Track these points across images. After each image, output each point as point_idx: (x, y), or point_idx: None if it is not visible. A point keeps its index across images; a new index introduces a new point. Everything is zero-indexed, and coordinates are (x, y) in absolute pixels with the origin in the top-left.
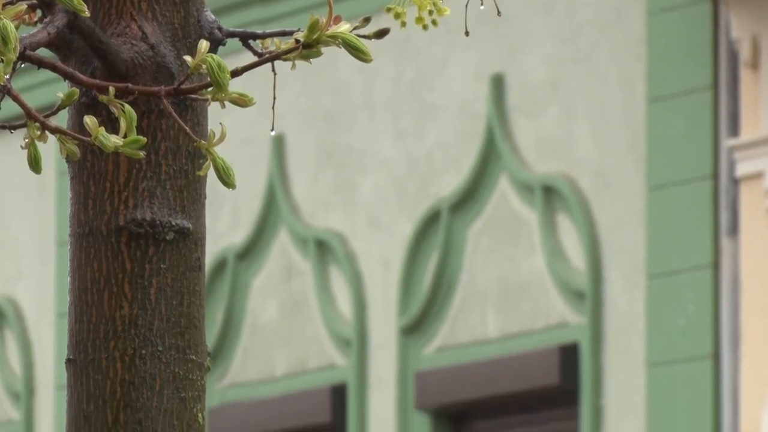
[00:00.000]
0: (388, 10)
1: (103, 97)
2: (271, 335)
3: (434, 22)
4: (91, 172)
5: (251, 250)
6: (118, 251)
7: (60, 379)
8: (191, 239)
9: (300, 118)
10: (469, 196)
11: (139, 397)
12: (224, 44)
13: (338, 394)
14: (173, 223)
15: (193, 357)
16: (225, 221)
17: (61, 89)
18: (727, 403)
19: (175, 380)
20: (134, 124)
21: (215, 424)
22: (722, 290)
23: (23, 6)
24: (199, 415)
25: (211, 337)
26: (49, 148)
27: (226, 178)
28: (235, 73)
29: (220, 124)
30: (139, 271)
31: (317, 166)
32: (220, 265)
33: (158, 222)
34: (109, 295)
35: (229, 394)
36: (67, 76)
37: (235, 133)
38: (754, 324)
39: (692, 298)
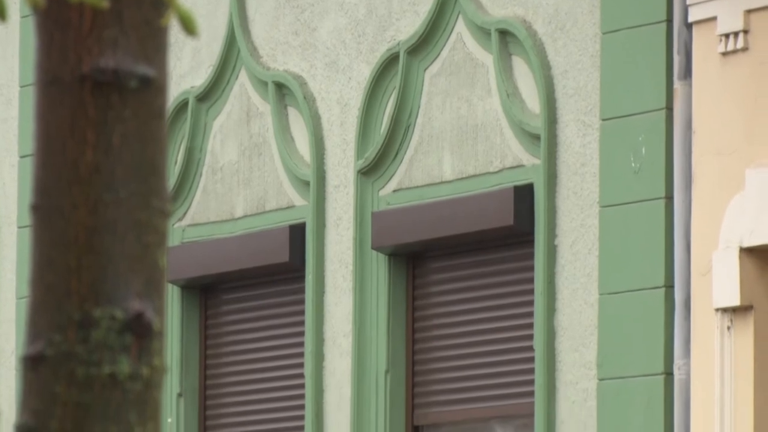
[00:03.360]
0: None
1: None
2: (231, 176)
3: None
4: (56, 20)
5: (211, 93)
6: (81, 99)
7: (22, 219)
8: (154, 87)
9: None
10: (427, 39)
11: (101, 242)
12: None
13: (297, 233)
14: (136, 72)
15: (155, 203)
16: (185, 64)
17: None
18: (679, 244)
19: (137, 226)
20: None
21: (174, 263)
22: (675, 133)
23: None
24: (161, 259)
25: (171, 178)
26: None
27: (189, 27)
28: None
29: None
30: (102, 119)
31: (277, 9)
32: (181, 107)
33: (121, 70)
34: (73, 142)
35: (189, 233)
36: None
37: None
38: (706, 166)
39: (645, 140)
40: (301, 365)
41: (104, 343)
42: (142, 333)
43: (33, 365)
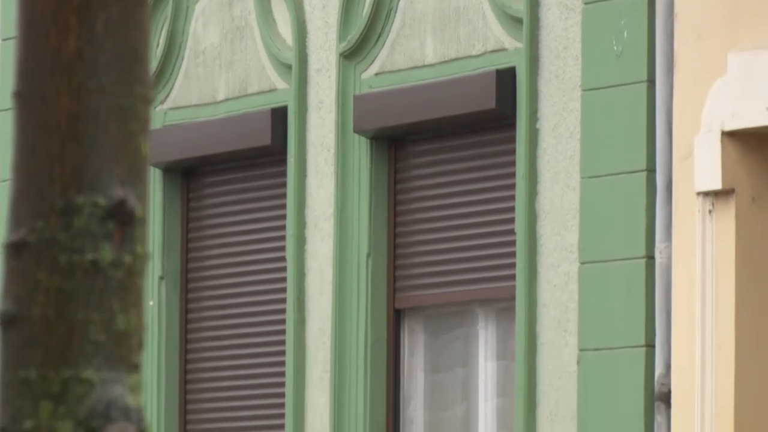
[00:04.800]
0: None
1: None
2: (213, 59)
3: None
4: None
5: None
6: None
7: (4, 102)
8: None
9: None
10: None
11: (84, 129)
12: None
13: (279, 116)
14: None
15: (138, 90)
16: None
17: None
18: (661, 128)
19: (120, 113)
20: None
21: (156, 146)
22: (657, 16)
23: None
24: (144, 146)
25: (153, 61)
26: None
27: None
28: None
29: None
30: (84, 5)
31: None
32: None
33: None
34: (55, 28)
35: (171, 116)
36: None
37: None
38: (688, 50)
39: (627, 23)
40: (283, 248)
41: (87, 230)
42: (124, 220)
43: (15, 252)
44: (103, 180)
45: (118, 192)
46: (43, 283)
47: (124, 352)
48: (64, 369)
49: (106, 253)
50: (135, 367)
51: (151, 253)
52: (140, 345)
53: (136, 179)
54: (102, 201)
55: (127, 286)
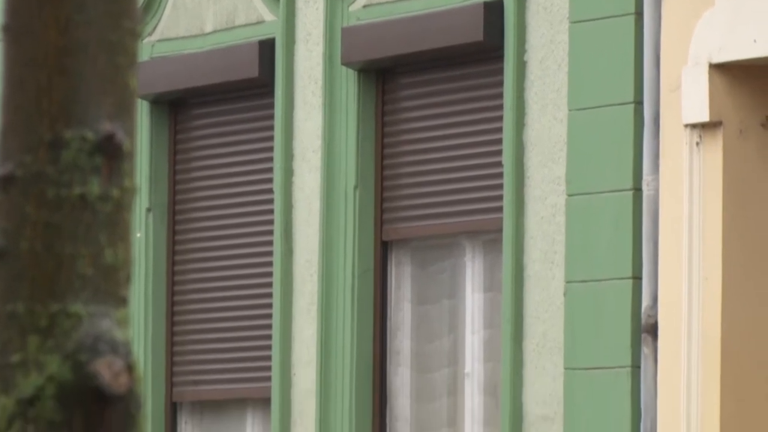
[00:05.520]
0: None
1: None
2: None
3: None
4: None
5: None
6: None
7: None
8: None
9: None
10: None
11: (72, 63)
12: None
13: (266, 49)
14: None
15: (126, 24)
16: None
17: None
18: (649, 60)
19: (108, 47)
20: None
21: (144, 79)
22: None
23: None
24: (132, 80)
25: None
26: None
27: None
28: None
29: None
30: None
31: None
32: None
33: None
34: None
35: (158, 48)
36: None
37: None
38: None
39: None
40: (270, 181)
41: (74, 164)
42: (112, 154)
43: (3, 186)
44: (91, 114)
45: (106, 126)
46: (31, 217)
47: (111, 286)
48: (52, 303)
49: (94, 187)
50: (122, 301)
51: (138, 185)
52: (128, 279)
53: (124, 113)
54: (90, 135)
55: (114, 220)
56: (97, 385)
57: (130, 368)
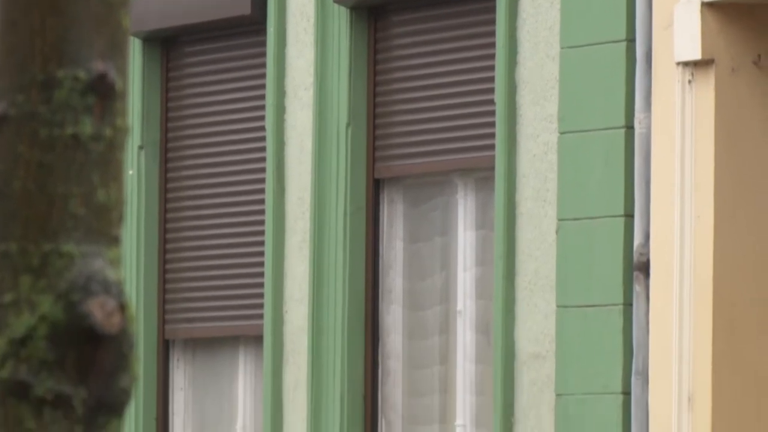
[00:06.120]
0: None
1: None
2: None
3: None
4: None
5: None
6: None
7: None
8: None
9: None
10: None
11: (65, 3)
12: None
13: None
14: None
15: None
16: None
17: None
18: None
19: None
20: None
21: (136, 16)
22: None
23: None
24: (125, 20)
25: None
26: None
27: None
28: None
29: None
30: None
31: None
32: None
33: None
34: None
35: None
36: None
37: None
38: None
39: None
40: (262, 118)
41: (67, 104)
42: (105, 94)
43: None
44: (84, 53)
45: (99, 65)
46: (24, 156)
47: (104, 226)
48: (45, 242)
49: (87, 126)
50: (115, 241)
51: (130, 124)
52: (120, 218)
53: (116, 53)
54: (82, 74)
55: (107, 160)
56: (89, 325)
57: (122, 308)
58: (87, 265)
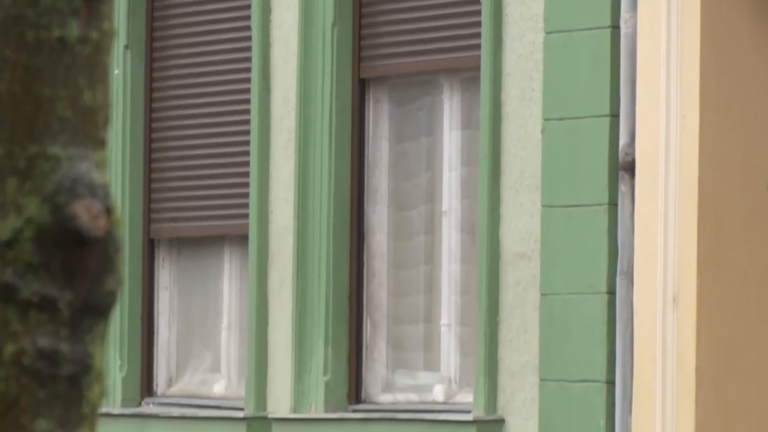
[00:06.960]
0: None
1: None
2: None
3: None
4: None
5: None
6: None
7: None
8: None
9: None
10: None
11: None
12: None
13: None
14: None
15: None
16: None
17: None
18: None
19: None
20: None
21: None
22: None
23: None
24: None
25: None
26: None
27: None
28: None
29: None
30: None
31: None
32: None
33: None
34: None
35: None
36: None
37: None
38: None
39: None
40: (248, 18)
41: (54, 7)
42: None
43: None
44: None
45: None
46: (11, 59)
47: (90, 129)
48: (31, 145)
49: (73, 29)
50: (101, 144)
51: (116, 23)
52: (106, 121)
53: None
54: None
55: (93, 63)
56: (75, 228)
57: (108, 211)
58: (73, 168)
